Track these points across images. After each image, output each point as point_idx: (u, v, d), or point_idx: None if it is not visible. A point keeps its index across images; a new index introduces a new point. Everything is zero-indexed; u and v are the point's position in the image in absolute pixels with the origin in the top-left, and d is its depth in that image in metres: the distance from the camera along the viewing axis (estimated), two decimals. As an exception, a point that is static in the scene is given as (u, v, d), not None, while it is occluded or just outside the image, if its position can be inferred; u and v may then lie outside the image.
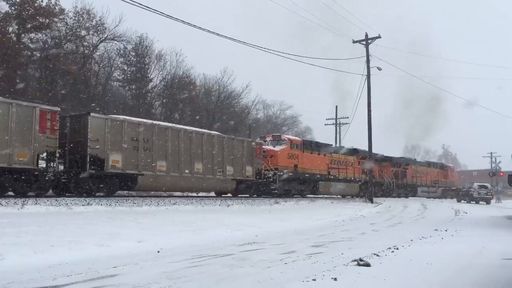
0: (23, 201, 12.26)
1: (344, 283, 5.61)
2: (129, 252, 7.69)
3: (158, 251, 7.91)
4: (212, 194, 24.61)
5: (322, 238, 10.89)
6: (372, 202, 27.80)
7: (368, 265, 6.73)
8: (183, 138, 19.88)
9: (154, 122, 20.06)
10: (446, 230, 13.14)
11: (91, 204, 13.49)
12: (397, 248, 8.74)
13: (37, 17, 32.59)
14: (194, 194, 24.10)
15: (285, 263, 7.01)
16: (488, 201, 37.37)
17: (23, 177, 14.78)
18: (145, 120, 19.82)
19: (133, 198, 16.94)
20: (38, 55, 33.79)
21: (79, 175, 16.24)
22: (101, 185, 17.05)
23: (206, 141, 21.11)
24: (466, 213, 22.66)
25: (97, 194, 16.97)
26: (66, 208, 12.42)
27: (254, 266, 6.72)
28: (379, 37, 29.34)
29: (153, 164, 18.36)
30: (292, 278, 5.87)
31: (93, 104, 32.36)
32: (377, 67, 29.31)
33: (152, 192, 21.50)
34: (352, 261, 7.00)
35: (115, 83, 42.19)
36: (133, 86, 41.14)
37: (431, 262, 7.22)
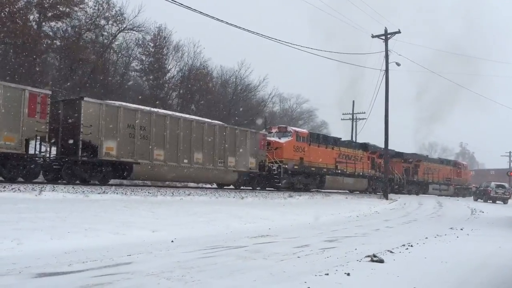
0: (41, 188, 12.45)
1: (357, 279, 5.58)
2: (143, 240, 7.76)
3: (172, 241, 7.96)
4: (220, 187, 24.12)
5: (336, 233, 10.86)
6: (387, 198, 27.62)
7: (381, 261, 6.68)
8: (182, 127, 19.24)
9: (152, 109, 19.37)
10: (461, 229, 13.00)
11: (107, 193, 13.66)
12: (411, 245, 8.67)
13: (58, 6, 32.90)
14: (209, 186, 23.97)
15: (298, 257, 7.00)
16: (505, 201, 36.81)
17: (10, 162, 14.25)
18: (142, 107, 19.14)
19: (148, 188, 17.05)
20: (58, 43, 34.14)
21: (71, 161, 15.77)
22: (94, 173, 16.48)
23: (207, 130, 20.44)
24: (483, 212, 22.38)
25: (91, 181, 16.51)
26: (83, 195, 12.59)
27: (267, 258, 6.73)
28: (398, 32, 28.98)
29: (150, 153, 17.80)
30: (305, 271, 5.86)
31: (111, 94, 32.60)
32: (396, 63, 29.02)
33: (167, 182, 21.44)
34: (366, 256, 6.97)
35: (133, 73, 42.47)
36: (151, 77, 41.35)
37: (446, 260, 7.15)
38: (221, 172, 21.25)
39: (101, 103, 16.69)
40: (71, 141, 15.76)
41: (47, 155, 15.88)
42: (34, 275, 5.01)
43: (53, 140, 16.01)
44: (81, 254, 6.25)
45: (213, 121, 22.82)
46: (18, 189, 11.94)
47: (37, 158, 15.06)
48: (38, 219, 8.14)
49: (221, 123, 23.31)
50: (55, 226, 7.71)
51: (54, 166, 16.23)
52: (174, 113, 21.47)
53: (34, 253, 6.05)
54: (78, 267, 5.51)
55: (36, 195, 11.53)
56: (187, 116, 21.83)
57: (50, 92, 15.46)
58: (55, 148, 16.52)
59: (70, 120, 15.94)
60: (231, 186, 23.23)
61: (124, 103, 18.54)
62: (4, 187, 11.91)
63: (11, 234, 6.69)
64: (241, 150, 22.07)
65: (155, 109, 19.74)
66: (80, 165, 15.96)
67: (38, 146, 14.89)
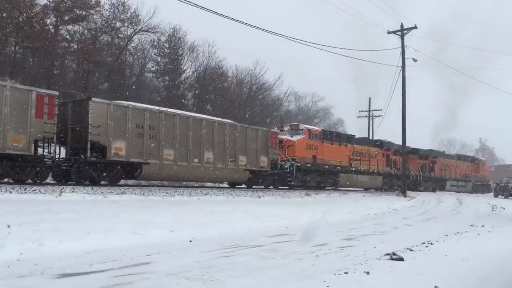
0: (61, 189, 12.61)
1: (376, 277, 5.53)
2: (162, 240, 7.80)
3: (190, 241, 7.99)
4: (232, 186, 23.84)
5: (354, 231, 10.78)
6: (405, 195, 27.33)
7: (401, 259, 6.61)
8: (192, 126, 19.11)
9: (161, 108, 19.31)
10: (482, 226, 12.79)
11: (125, 193, 13.78)
12: (431, 243, 8.56)
13: (74, 9, 33.34)
14: (225, 185, 23.93)
15: (317, 256, 6.97)
16: (527, 197, 36.13)
17: (18, 164, 14.21)
18: (151, 107, 19.15)
19: (165, 188, 17.15)
20: (75, 46, 34.57)
21: (80, 162, 15.70)
22: (104, 173, 16.43)
23: (217, 129, 20.29)
24: (504, 208, 21.99)
25: (101, 182, 16.44)
26: (102, 196, 12.72)
27: (286, 257, 6.71)
28: (415, 27, 28.65)
29: (160, 153, 17.72)
30: (323, 270, 5.83)
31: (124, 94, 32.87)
32: (413, 59, 28.71)
33: (184, 182, 21.48)
34: (385, 255, 6.90)
35: (149, 74, 42.81)
36: (166, 78, 41.64)
37: (467, 258, 7.05)
38: (232, 171, 21.08)
39: (109, 103, 16.64)
40: (79, 142, 15.76)
41: (56, 156, 15.80)
42: (56, 275, 5.07)
43: (61, 141, 16.00)
44: (101, 254, 6.31)
45: (223, 119, 22.73)
46: (39, 190, 12.11)
47: (45, 160, 15.01)
48: (58, 220, 8.24)
49: (232, 121, 23.13)
50: (75, 227, 7.80)
51: (63, 167, 16.18)
52: (183, 112, 21.36)
53: (56, 254, 6.13)
54: (99, 267, 5.56)
55: (56, 197, 11.68)
56: (196, 115, 21.75)
57: (57, 93, 15.40)
58: (64, 149, 16.51)
59: (78, 121, 15.92)
60: (243, 185, 23.07)
61: (132, 103, 18.47)
62: (25, 189, 12.10)
63: (33, 235, 6.79)
64: (252, 149, 21.86)
65: (164, 109, 19.65)
66: (89, 166, 15.91)
67: (46, 147, 14.89)
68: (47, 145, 14.88)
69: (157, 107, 19.41)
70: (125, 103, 17.93)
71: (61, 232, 7.29)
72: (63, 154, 16.61)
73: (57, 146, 15.78)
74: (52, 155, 15.10)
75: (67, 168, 16.11)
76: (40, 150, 14.79)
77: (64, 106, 16.50)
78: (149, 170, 17.47)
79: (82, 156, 15.67)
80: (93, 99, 16.08)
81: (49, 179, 16.00)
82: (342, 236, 9.69)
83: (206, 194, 16.37)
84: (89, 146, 15.53)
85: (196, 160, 19.22)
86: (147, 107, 18.56)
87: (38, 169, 14.85)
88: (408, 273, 5.86)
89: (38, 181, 14.76)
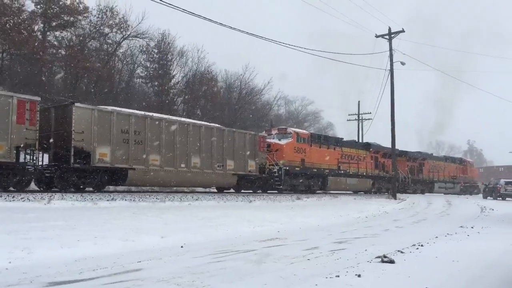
0: (50, 196, 12.49)
1: (368, 280, 5.55)
2: (153, 247, 7.77)
3: (182, 246, 7.96)
4: (220, 191, 23.72)
5: (345, 234, 10.81)
6: (395, 198, 27.49)
7: (392, 262, 6.64)
8: (178, 130, 18.88)
9: (147, 113, 18.98)
10: (472, 227, 12.91)
11: (115, 200, 13.70)
12: (421, 245, 8.61)
13: (62, 15, 33.18)
14: (214, 190, 23.74)
15: (308, 259, 6.98)
16: (515, 198, 36.49)
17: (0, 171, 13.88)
18: (136, 111, 18.83)
19: (156, 194, 17.05)
20: (63, 53, 34.39)
21: (64, 169, 15.40)
22: (88, 180, 16.12)
23: (204, 133, 20.04)
24: (493, 209, 22.19)
25: (86, 189, 16.17)
26: (91, 203, 12.63)
27: (277, 262, 6.71)
28: (402, 31, 28.89)
29: (145, 158, 17.46)
30: (315, 274, 5.84)
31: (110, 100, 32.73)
32: (401, 62, 28.93)
33: (175, 188, 21.37)
34: (376, 257, 6.93)
35: (138, 80, 42.68)
36: (156, 83, 41.53)
37: (457, 259, 7.10)
38: (220, 175, 20.88)
39: (93, 108, 16.38)
40: (63, 148, 15.47)
41: (38, 163, 15.50)
42: (45, 284, 5.02)
43: (44, 147, 15.71)
44: (91, 262, 6.26)
45: (210, 124, 22.46)
46: (28, 198, 12.00)
47: (28, 167, 14.69)
48: (48, 228, 8.17)
49: (219, 125, 22.90)
50: (65, 235, 7.74)
51: (46, 174, 15.89)
52: (169, 117, 21.06)
53: (45, 262, 6.07)
54: (89, 275, 5.52)
55: (45, 204, 11.59)
56: (183, 119, 21.44)
57: (39, 99, 15.10)
58: (47, 156, 16.23)
59: (61, 127, 15.65)
60: (231, 190, 22.89)
61: (117, 108, 18.18)
62: (13, 196, 11.97)
63: (22, 243, 6.72)
64: (240, 153, 21.69)
65: (150, 113, 19.36)
66: (73, 173, 15.61)
67: (28, 154, 14.59)
68: (29, 151, 14.59)
69: (142, 112, 19.16)
70: (110, 108, 17.67)
71: (51, 240, 7.23)
72: (46, 161, 16.32)
73: (40, 152, 15.50)
74: (34, 162, 14.80)
75: (50, 175, 15.83)
76: (22, 157, 14.45)
77: (47, 112, 16.26)
78: (135, 176, 17.24)
79: (65, 162, 15.39)
80: (76, 104, 15.78)
81: (32, 187, 15.73)
82: (334, 239, 9.71)
83: (197, 199, 16.32)
84: (72, 153, 15.22)
85: (183, 165, 19.00)
86: (132, 112, 18.30)
87: (21, 176, 14.55)
88: (399, 275, 5.89)
89: (21, 189, 14.51)
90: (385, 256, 6.84)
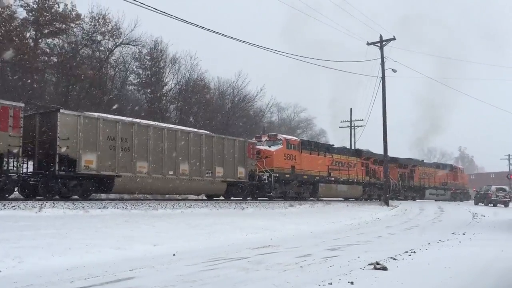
0: (41, 204, 12.38)
1: (360, 287, 5.56)
2: (145, 255, 7.73)
3: (174, 254, 7.93)
4: (209, 198, 23.18)
5: (338, 241, 10.82)
6: (387, 205, 27.56)
7: (385, 268, 6.66)
8: (166, 137, 18.57)
9: (134, 120, 18.66)
10: (464, 234, 12.97)
11: (107, 208, 13.60)
12: (414, 252, 8.64)
13: (54, 23, 33.04)
14: (204, 197, 23.54)
15: (301, 267, 6.98)
16: (506, 204, 36.72)
17: None
18: (123, 118, 18.55)
19: (148, 201, 16.98)
20: (55, 60, 34.25)
21: (48, 176, 15.13)
22: (74, 187, 15.81)
23: (193, 140, 19.75)
24: (484, 216, 22.34)
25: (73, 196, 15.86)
26: (83, 211, 12.53)
27: (270, 269, 6.70)
28: (394, 39, 29.15)
29: (132, 165, 17.18)
30: (308, 281, 5.84)
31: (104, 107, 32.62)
32: (392, 69, 29.14)
33: (167, 196, 21.19)
34: (369, 264, 6.94)
35: (131, 87, 42.55)
36: (148, 90, 41.43)
37: (449, 266, 7.13)
38: (209, 183, 20.58)
39: (79, 115, 16.08)
40: (48, 155, 15.21)
41: (22, 171, 15.23)
42: (36, 293, 4.98)
43: (29, 154, 15.48)
44: (83, 271, 6.22)
45: (199, 130, 22.23)
46: (18, 206, 11.89)
47: (11, 174, 14.41)
48: (39, 236, 8.10)
49: (208, 132, 22.68)
50: (56, 243, 7.68)
51: (31, 182, 15.61)
52: (157, 123, 20.76)
53: (36, 271, 6.02)
54: (80, 283, 5.48)
55: (36, 212, 11.47)
56: (171, 126, 21.17)
57: (23, 105, 14.81)
58: (32, 163, 15.96)
59: (46, 133, 15.39)
60: (221, 197, 22.56)
61: (103, 114, 17.92)
62: (4, 205, 11.86)
63: (12, 252, 6.66)
64: (229, 160, 21.46)
65: (137, 120, 19.04)
66: (58, 180, 15.31)
67: (11, 161, 14.33)
68: (12, 158, 14.33)
69: (129, 119, 18.89)
70: (96, 114, 17.40)
71: (42, 249, 7.17)
72: (31, 168, 16.04)
73: (24, 160, 15.26)
74: (18, 169, 14.54)
75: (34, 183, 15.53)
76: (5, 164, 14.19)
77: (32, 118, 16.02)
78: (122, 183, 16.96)
79: (50, 170, 15.13)
80: (61, 110, 15.47)
81: (16, 195, 15.45)
82: (326, 246, 9.72)
83: (189, 207, 16.25)
84: (57, 160, 14.94)
85: (171, 173, 18.70)
86: (119, 118, 18.05)
87: (4, 184, 14.16)
88: (392, 282, 5.90)
89: (3, 197, 14.08)
90: (377, 263, 6.86)
